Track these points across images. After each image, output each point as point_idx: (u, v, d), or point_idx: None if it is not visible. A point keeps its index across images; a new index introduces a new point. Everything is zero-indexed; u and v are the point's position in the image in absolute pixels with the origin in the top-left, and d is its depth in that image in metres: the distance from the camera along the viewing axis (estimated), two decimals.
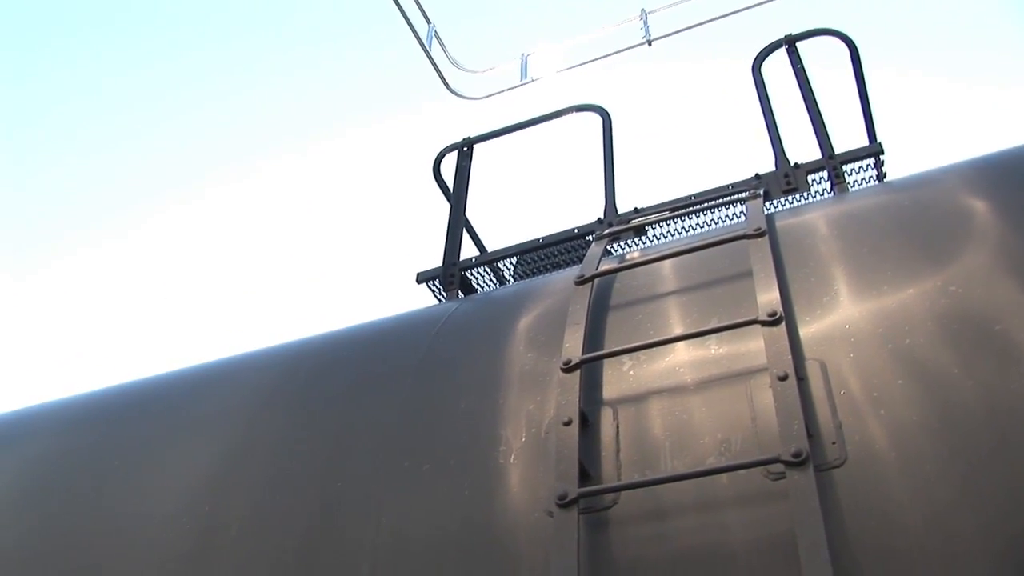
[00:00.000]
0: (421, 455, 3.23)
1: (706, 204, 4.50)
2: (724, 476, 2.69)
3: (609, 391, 3.09)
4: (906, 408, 2.66)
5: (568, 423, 2.90)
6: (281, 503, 3.38)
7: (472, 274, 5.13)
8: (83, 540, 3.75)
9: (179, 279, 19.08)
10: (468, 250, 5.27)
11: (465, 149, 5.50)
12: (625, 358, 3.15)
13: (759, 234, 3.36)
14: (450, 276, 4.97)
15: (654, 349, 3.12)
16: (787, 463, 2.54)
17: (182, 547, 3.45)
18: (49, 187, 19.11)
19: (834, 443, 2.65)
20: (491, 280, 5.25)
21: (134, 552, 3.57)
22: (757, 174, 4.57)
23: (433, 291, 5.13)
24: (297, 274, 19.03)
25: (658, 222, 4.67)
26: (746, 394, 2.86)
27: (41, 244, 19.74)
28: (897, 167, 4.69)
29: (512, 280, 5.25)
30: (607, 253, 4.17)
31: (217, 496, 3.55)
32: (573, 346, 3.17)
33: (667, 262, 3.62)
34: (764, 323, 2.92)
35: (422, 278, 5.09)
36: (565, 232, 4.91)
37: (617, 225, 4.50)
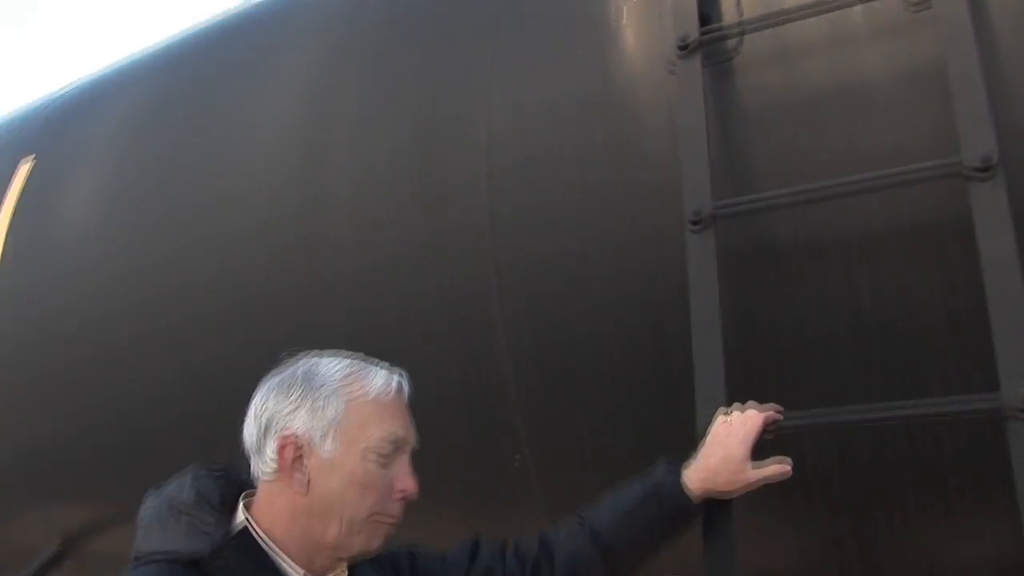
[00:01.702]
0: (528, 27, 3.04)
1: None
2: (858, 11, 2.45)
3: None
4: None
5: None
6: (389, 95, 3.29)
7: None
8: (198, 163, 3.84)
9: None
10: None
11: None
12: None
13: None
14: None
15: None
16: None
17: (296, 152, 3.46)
18: None
19: None
20: None
21: (249, 161, 3.62)
22: None
23: None
24: None
25: None
26: None
27: None
28: None
29: None
30: None
31: (324, 97, 3.49)
32: None
33: None
34: None
35: None
36: None
37: None
